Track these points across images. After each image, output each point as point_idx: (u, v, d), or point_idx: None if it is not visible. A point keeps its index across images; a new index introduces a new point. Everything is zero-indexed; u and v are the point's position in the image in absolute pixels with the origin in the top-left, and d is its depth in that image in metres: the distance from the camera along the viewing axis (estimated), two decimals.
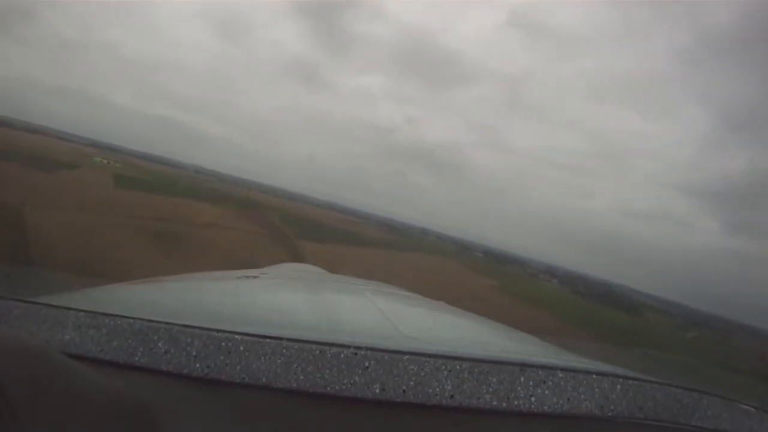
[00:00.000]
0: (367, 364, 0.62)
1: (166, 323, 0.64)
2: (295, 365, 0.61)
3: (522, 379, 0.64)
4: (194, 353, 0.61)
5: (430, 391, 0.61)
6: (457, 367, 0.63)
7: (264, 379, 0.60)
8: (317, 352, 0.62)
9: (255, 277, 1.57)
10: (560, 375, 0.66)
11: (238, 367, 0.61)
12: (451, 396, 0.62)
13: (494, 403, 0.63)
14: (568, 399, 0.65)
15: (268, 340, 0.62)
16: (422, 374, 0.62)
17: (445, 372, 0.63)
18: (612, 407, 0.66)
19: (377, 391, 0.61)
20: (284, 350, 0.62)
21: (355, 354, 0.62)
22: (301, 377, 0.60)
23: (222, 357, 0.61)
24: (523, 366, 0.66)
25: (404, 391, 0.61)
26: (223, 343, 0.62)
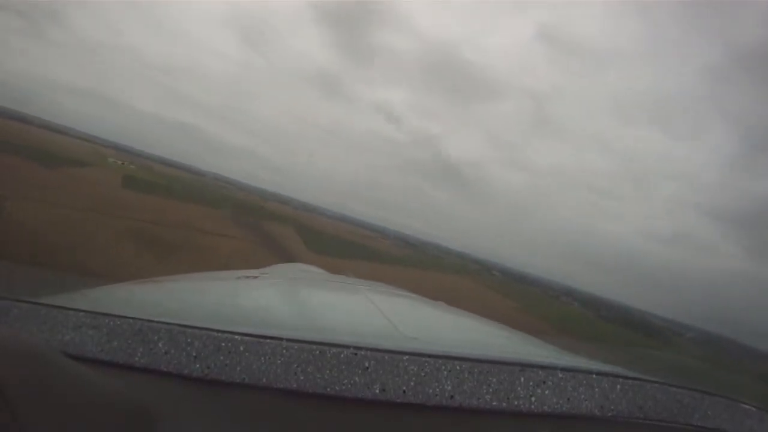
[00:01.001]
0: (367, 364, 0.62)
1: (166, 323, 0.64)
2: (295, 365, 0.61)
3: (522, 379, 0.64)
4: (194, 353, 0.61)
5: (430, 391, 0.61)
6: (457, 367, 0.63)
7: (264, 380, 0.60)
8: (317, 352, 0.62)
9: (255, 277, 1.57)
10: (560, 375, 0.66)
11: (238, 368, 0.61)
12: (451, 396, 0.62)
13: (494, 403, 0.63)
14: (568, 399, 0.65)
15: (268, 340, 0.62)
16: (422, 374, 0.62)
17: (445, 372, 0.63)
18: (612, 407, 0.66)
19: (377, 391, 0.61)
20: (284, 350, 0.62)
21: (355, 354, 0.62)
22: (301, 377, 0.60)
23: (222, 357, 0.61)
24: (523, 366, 0.66)
25: (404, 391, 0.61)
26: (223, 344, 0.62)
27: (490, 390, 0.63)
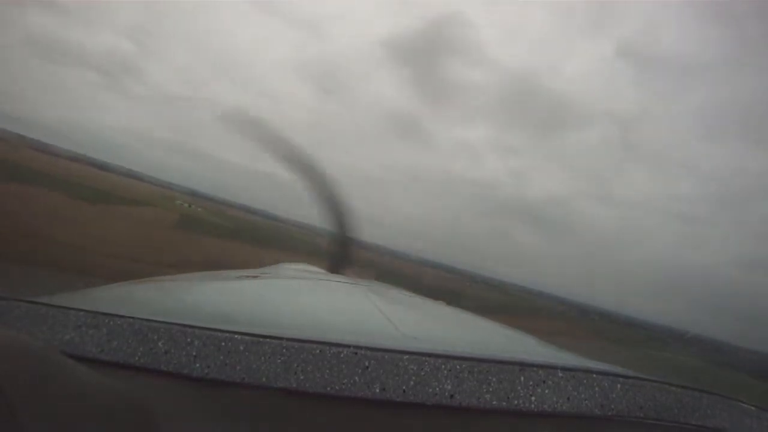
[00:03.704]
0: (367, 363, 0.62)
1: (166, 323, 0.64)
2: (295, 365, 0.61)
3: (522, 378, 0.64)
4: (194, 353, 0.61)
5: (430, 390, 0.61)
6: (457, 366, 0.63)
7: (264, 379, 0.60)
8: (317, 351, 0.62)
9: (255, 277, 1.57)
10: (560, 374, 0.66)
11: (238, 367, 0.61)
12: (451, 396, 0.62)
13: (494, 402, 0.63)
14: (568, 398, 0.65)
15: (268, 340, 0.62)
16: (422, 374, 0.62)
17: (445, 372, 0.63)
18: (612, 406, 0.66)
19: (377, 390, 0.61)
20: (284, 350, 0.62)
21: (355, 354, 0.62)
22: (301, 377, 0.60)
23: (222, 357, 0.61)
24: (523, 366, 0.66)
25: (404, 390, 0.61)
26: (223, 343, 0.62)
27: (490, 389, 0.63)
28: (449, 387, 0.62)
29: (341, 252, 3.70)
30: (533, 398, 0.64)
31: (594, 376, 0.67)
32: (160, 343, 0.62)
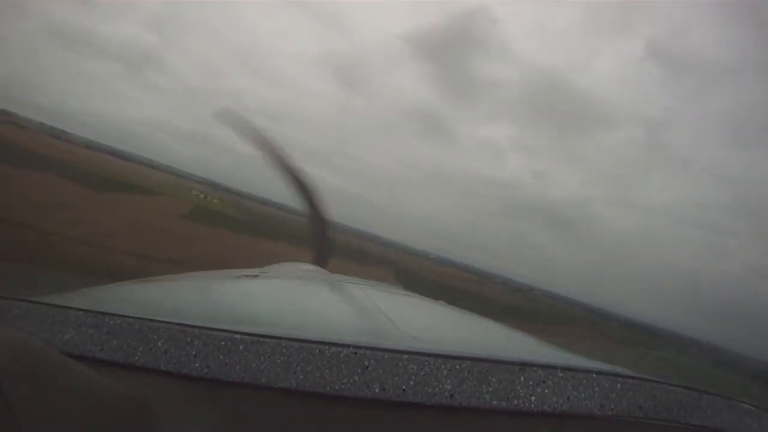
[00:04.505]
0: (366, 363, 0.62)
1: (166, 323, 0.64)
2: (295, 365, 0.61)
3: (522, 378, 0.64)
4: (194, 353, 0.61)
5: (430, 390, 0.61)
6: (457, 366, 0.63)
7: (264, 379, 0.60)
8: (317, 351, 0.62)
9: (254, 276, 1.56)
10: (560, 374, 0.66)
11: (238, 367, 0.61)
12: (451, 395, 0.62)
13: (494, 402, 0.63)
14: (568, 398, 0.65)
15: (268, 339, 0.62)
16: (422, 374, 0.62)
17: (445, 371, 0.63)
18: (612, 406, 0.66)
19: (377, 390, 0.61)
20: (284, 350, 0.62)
21: (355, 353, 0.62)
22: (301, 377, 0.60)
23: (222, 356, 0.61)
24: (523, 365, 0.66)
25: (404, 390, 0.61)
26: (223, 343, 0.62)
27: (490, 389, 0.63)
28: (449, 387, 0.62)
29: (321, 239, 3.67)
30: (533, 398, 0.64)
31: (594, 376, 0.67)
32: (159, 343, 0.62)
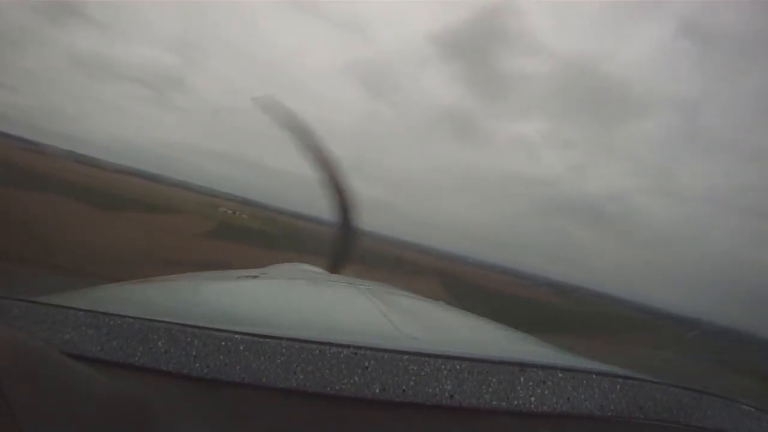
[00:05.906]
0: (366, 363, 0.62)
1: (166, 323, 0.64)
2: (295, 365, 0.61)
3: (522, 379, 0.64)
4: (194, 353, 0.61)
5: (430, 390, 0.62)
6: (457, 367, 0.63)
7: (264, 379, 0.60)
8: (317, 351, 0.62)
9: (255, 276, 1.56)
10: (560, 375, 0.66)
11: (238, 367, 0.61)
12: (451, 396, 0.62)
13: (494, 403, 0.63)
14: (568, 399, 0.65)
15: (268, 340, 0.62)
16: (422, 374, 0.62)
17: (445, 372, 0.63)
18: (612, 407, 0.66)
19: (377, 390, 0.61)
20: (284, 350, 0.62)
21: (355, 354, 0.62)
22: (301, 377, 0.60)
23: (222, 357, 0.61)
24: (523, 366, 0.66)
25: (404, 390, 0.61)
26: (223, 343, 0.62)
27: (490, 390, 0.63)
28: (449, 387, 0.62)
29: (344, 249, 3.68)
30: (533, 398, 0.64)
31: (594, 376, 0.67)
32: (159, 343, 0.62)
